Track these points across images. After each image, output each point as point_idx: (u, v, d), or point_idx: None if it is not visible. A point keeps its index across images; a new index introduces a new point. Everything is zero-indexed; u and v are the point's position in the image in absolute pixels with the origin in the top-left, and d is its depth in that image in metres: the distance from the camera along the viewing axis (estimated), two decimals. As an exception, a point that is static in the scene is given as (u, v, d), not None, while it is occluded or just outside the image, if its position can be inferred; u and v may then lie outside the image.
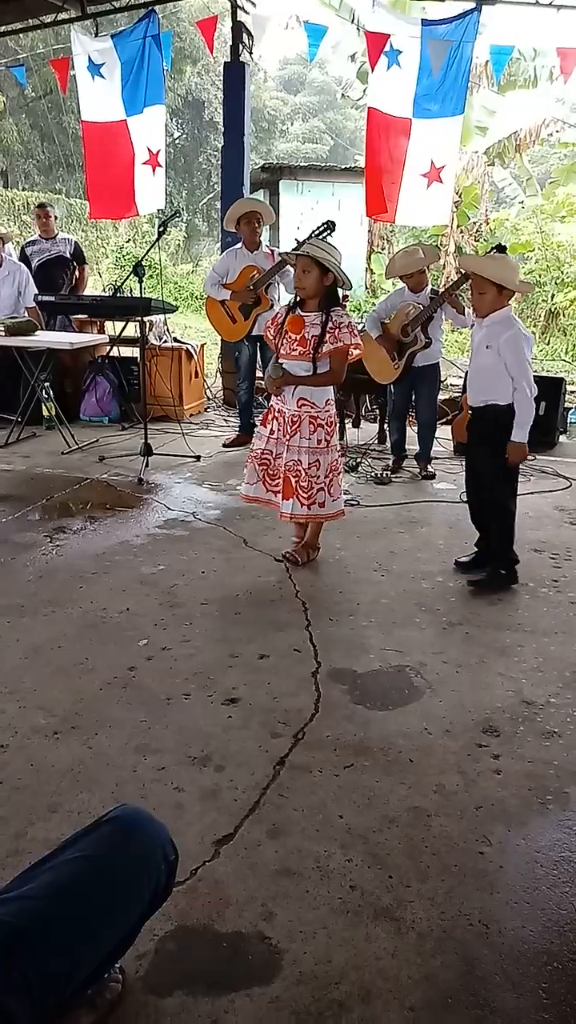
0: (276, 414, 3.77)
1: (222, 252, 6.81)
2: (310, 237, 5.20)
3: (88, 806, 2.10)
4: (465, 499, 3.97)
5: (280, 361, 3.68)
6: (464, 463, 4.03)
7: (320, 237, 5.11)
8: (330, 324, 3.57)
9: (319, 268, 3.51)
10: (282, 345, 3.68)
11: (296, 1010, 1.56)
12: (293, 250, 3.77)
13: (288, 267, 5.46)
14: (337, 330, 3.58)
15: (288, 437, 3.69)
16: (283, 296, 6.16)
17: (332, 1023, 1.54)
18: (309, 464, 3.68)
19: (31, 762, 2.31)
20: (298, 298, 3.72)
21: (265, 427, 3.83)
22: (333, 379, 3.71)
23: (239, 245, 5.86)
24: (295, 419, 3.68)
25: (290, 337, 3.65)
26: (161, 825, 1.42)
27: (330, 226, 5.10)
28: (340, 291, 3.72)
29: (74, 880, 1.23)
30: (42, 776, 2.25)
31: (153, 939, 1.69)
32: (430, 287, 5.41)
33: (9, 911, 1.16)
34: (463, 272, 5.26)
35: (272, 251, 5.85)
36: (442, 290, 5.36)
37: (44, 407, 6.24)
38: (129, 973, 1.61)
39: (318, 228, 5.16)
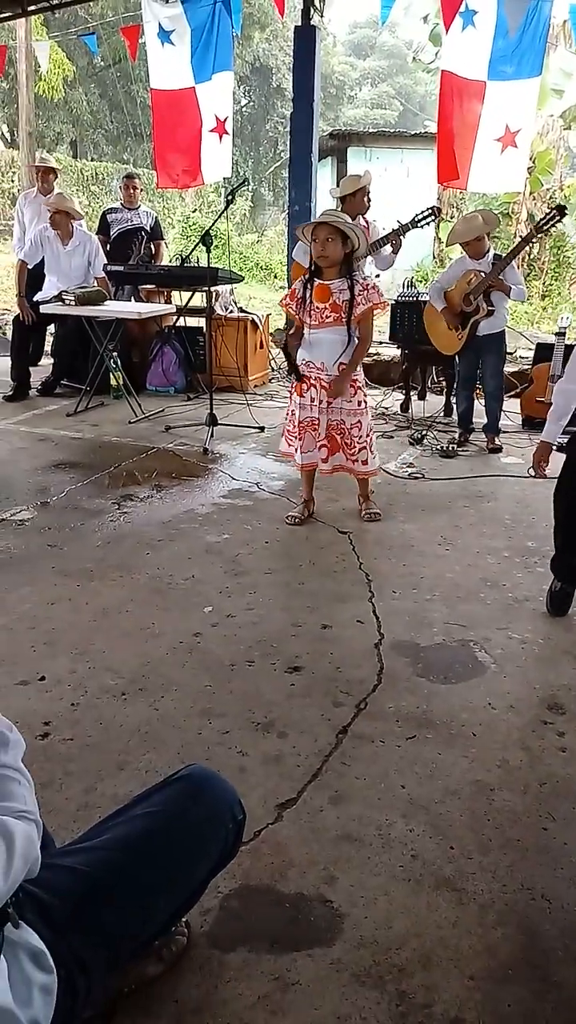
0: (313, 381, 3.86)
1: (289, 221, 6.74)
2: (413, 220, 5.10)
3: (155, 765, 2.16)
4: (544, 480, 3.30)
5: (313, 331, 3.83)
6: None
7: (425, 222, 5.02)
8: (358, 287, 3.74)
9: (341, 236, 3.64)
10: (311, 316, 3.80)
11: (356, 972, 1.58)
12: (320, 219, 3.75)
13: (383, 243, 5.31)
14: (366, 291, 3.76)
15: (329, 401, 3.85)
16: (369, 271, 5.98)
17: (392, 987, 1.55)
18: (352, 425, 3.91)
19: (100, 720, 2.37)
20: (312, 268, 3.83)
21: (303, 396, 3.91)
22: (368, 346, 3.96)
23: None
24: None
25: (318, 307, 3.78)
26: (230, 786, 1.45)
27: (435, 212, 4.99)
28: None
29: (147, 834, 1.27)
30: (111, 734, 2.31)
31: (218, 895, 1.74)
32: (492, 253, 5.26)
33: (86, 860, 1.21)
34: (524, 236, 5.10)
35: (368, 224, 5.47)
36: (505, 255, 5.22)
37: (112, 377, 6.33)
38: (194, 927, 1.66)
39: (422, 213, 5.04)
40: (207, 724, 2.37)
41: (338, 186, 5.53)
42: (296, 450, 3.99)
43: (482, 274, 5.10)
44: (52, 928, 1.11)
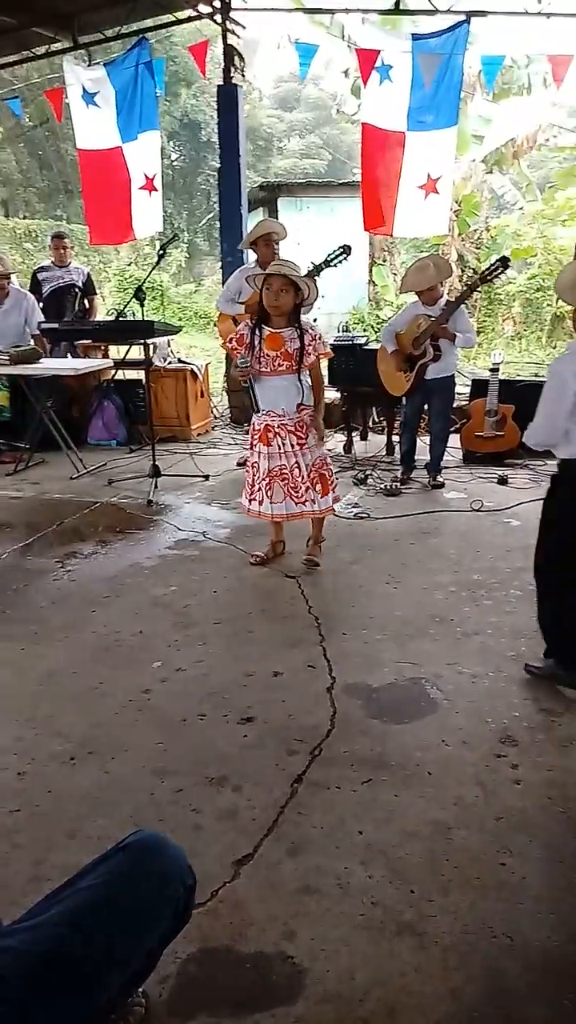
0: (277, 429, 3.84)
1: (223, 271, 6.84)
2: (326, 260, 5.22)
3: (107, 831, 2.10)
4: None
5: (266, 379, 3.82)
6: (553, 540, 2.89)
7: (338, 261, 5.13)
8: (307, 337, 3.77)
9: (294, 287, 3.67)
10: (261, 363, 3.79)
11: (321, 1030, 1.55)
12: (271, 272, 3.76)
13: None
14: (315, 341, 3.79)
15: (300, 443, 3.86)
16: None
17: (358, 1042, 1.53)
18: (324, 457, 3.99)
19: (49, 788, 2.31)
20: (256, 317, 3.81)
21: (267, 445, 3.87)
22: (322, 386, 4.00)
23: (252, 263, 5.84)
24: (302, 424, 3.86)
25: (269, 355, 3.77)
26: (179, 849, 1.42)
27: (346, 250, 5.11)
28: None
29: (93, 907, 1.23)
30: (60, 802, 2.25)
31: (175, 962, 1.69)
32: (445, 299, 5.39)
33: (30, 939, 1.16)
34: (469, 285, 5.26)
35: None
36: (452, 299, 5.36)
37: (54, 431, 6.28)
38: (152, 997, 1.61)
39: (334, 252, 5.16)
40: (159, 784, 2.33)
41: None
42: (259, 502, 3.92)
43: (431, 319, 5.21)
44: (-5, 1014, 1.06)
